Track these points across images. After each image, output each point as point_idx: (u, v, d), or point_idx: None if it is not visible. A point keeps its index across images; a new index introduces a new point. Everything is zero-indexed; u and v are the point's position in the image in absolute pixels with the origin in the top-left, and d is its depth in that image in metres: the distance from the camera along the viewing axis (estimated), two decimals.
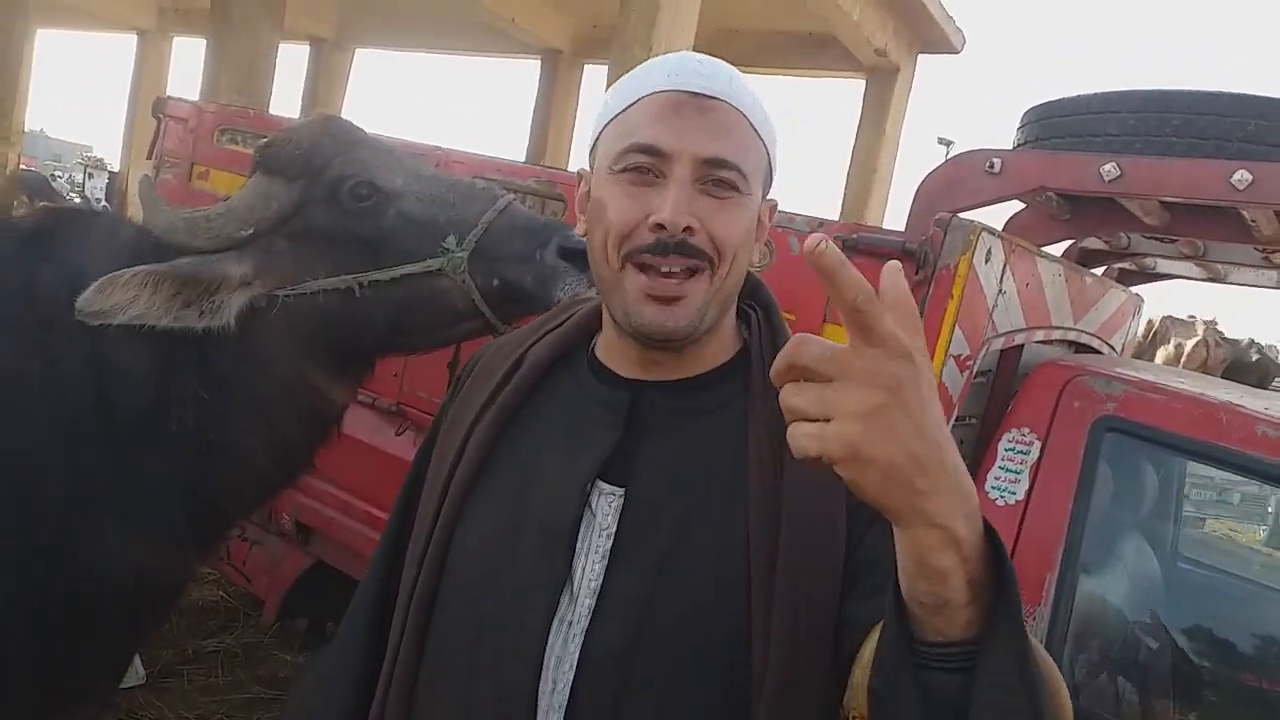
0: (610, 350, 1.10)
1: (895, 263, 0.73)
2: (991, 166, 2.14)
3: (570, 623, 0.99)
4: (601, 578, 0.99)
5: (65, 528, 1.67)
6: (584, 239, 1.08)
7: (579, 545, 1.01)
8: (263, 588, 3.09)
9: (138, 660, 3.34)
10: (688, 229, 0.96)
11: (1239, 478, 2.67)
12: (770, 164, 1.06)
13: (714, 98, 0.99)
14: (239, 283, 1.72)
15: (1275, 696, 2.12)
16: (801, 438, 0.68)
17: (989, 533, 0.72)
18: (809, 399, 0.68)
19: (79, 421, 1.67)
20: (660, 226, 0.96)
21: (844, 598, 0.95)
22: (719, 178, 0.98)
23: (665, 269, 0.97)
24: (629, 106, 1.01)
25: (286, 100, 13.38)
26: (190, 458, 1.75)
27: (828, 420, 0.67)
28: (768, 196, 1.08)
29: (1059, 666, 2.00)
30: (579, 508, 1.01)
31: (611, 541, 1.00)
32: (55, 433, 1.67)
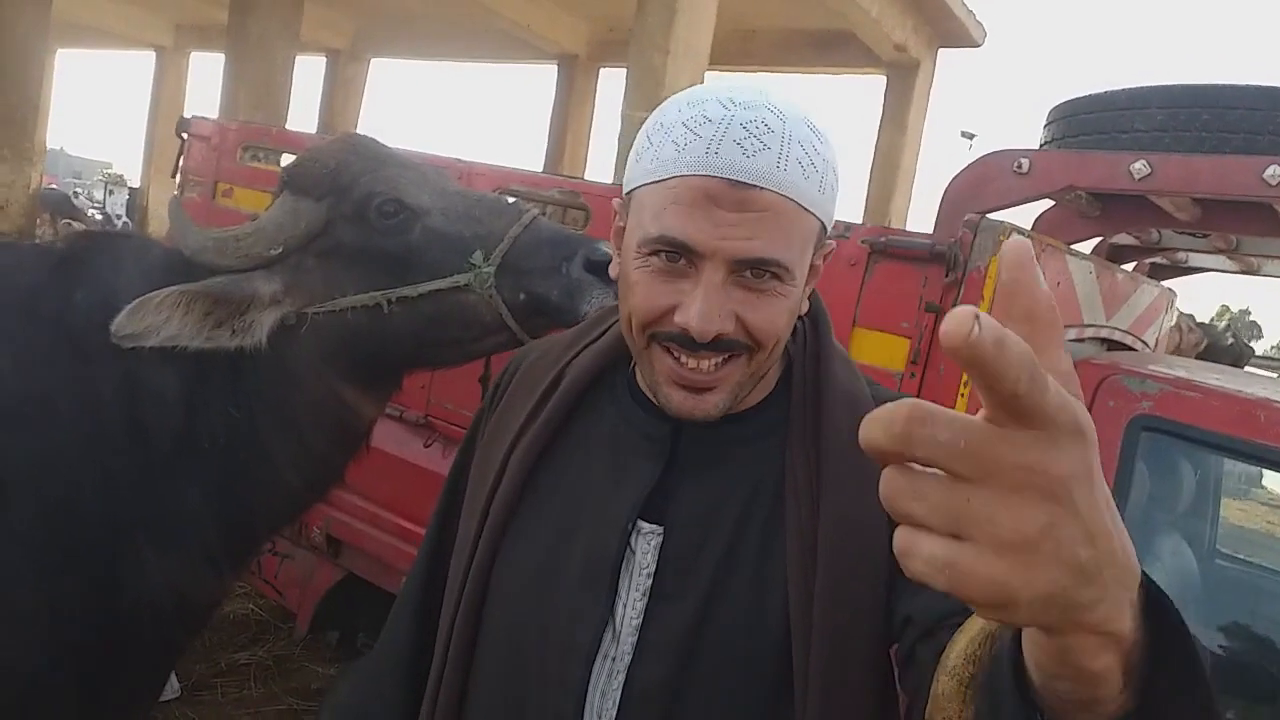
0: None
1: (1020, 242, 0.51)
2: (1019, 167, 2.12)
3: (613, 659, 0.98)
4: (643, 615, 0.98)
5: (101, 550, 1.68)
6: (610, 252, 1.05)
7: (620, 583, 1.00)
8: (295, 601, 3.11)
9: (173, 674, 3.37)
10: (719, 334, 0.91)
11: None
12: (826, 226, 0.97)
13: (756, 186, 0.88)
14: (269, 301, 1.73)
15: None
16: (920, 564, 0.47)
17: (1154, 594, 0.55)
18: (933, 510, 0.47)
19: (113, 444, 1.69)
20: (686, 329, 0.90)
21: (899, 594, 0.93)
22: (757, 270, 0.91)
23: (693, 361, 0.93)
24: (664, 180, 0.91)
25: (303, 112, 13.48)
26: (223, 476, 1.77)
27: (957, 537, 0.47)
28: (824, 243, 1.00)
29: None
30: (621, 548, 1.00)
31: (652, 580, 0.99)
32: (90, 456, 1.68)
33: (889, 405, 0.48)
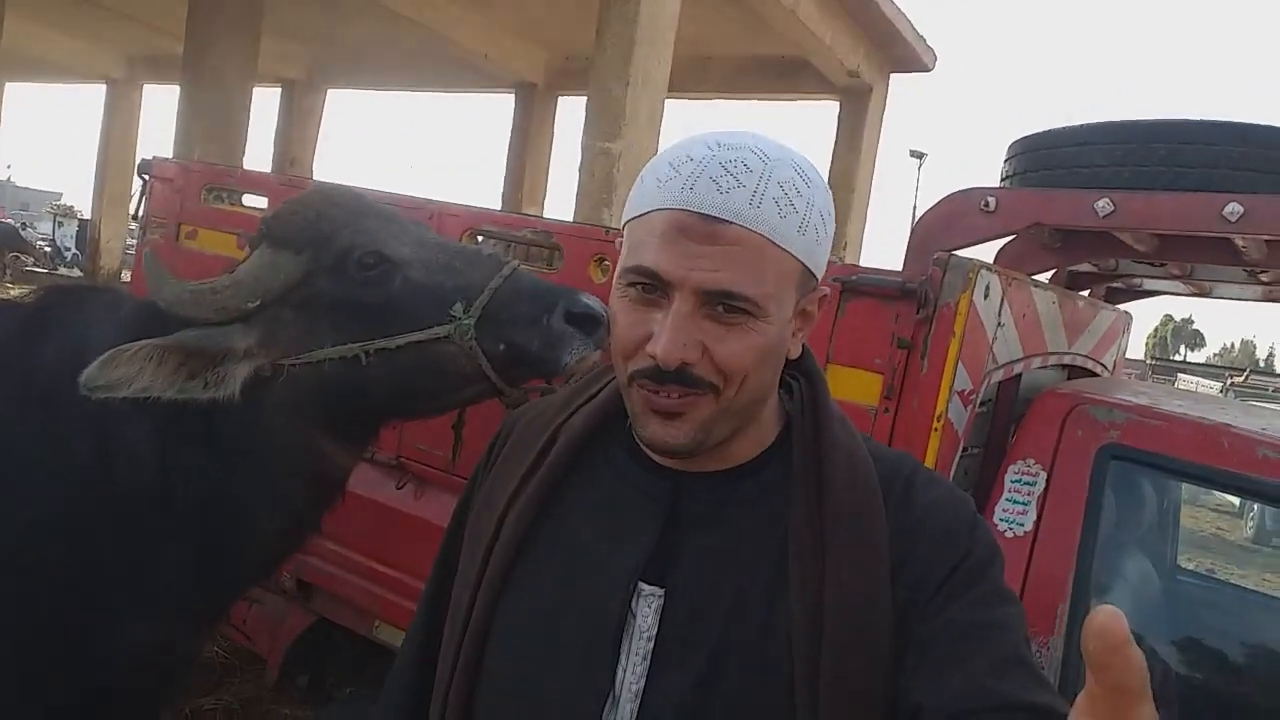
0: None
1: (1109, 613, 0.57)
2: (987, 205, 2.17)
3: None
4: (643, 680, 0.97)
5: (75, 612, 1.65)
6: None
7: (621, 646, 0.99)
8: (264, 646, 3.06)
9: None
10: (685, 363, 0.92)
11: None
12: (810, 269, 0.97)
13: (726, 221, 0.90)
14: (244, 354, 1.72)
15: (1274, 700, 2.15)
16: None
17: None
18: None
19: (83, 500, 1.66)
20: (654, 357, 0.92)
21: (909, 671, 0.92)
22: (727, 305, 0.92)
23: (664, 395, 0.95)
24: (644, 215, 0.95)
25: (260, 144, 13.37)
26: (199, 531, 1.74)
27: None
28: (816, 288, 1.01)
29: (1075, 695, 2.01)
30: (623, 611, 0.99)
31: (653, 644, 0.98)
32: (59, 513, 1.65)
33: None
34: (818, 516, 0.98)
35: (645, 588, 1.00)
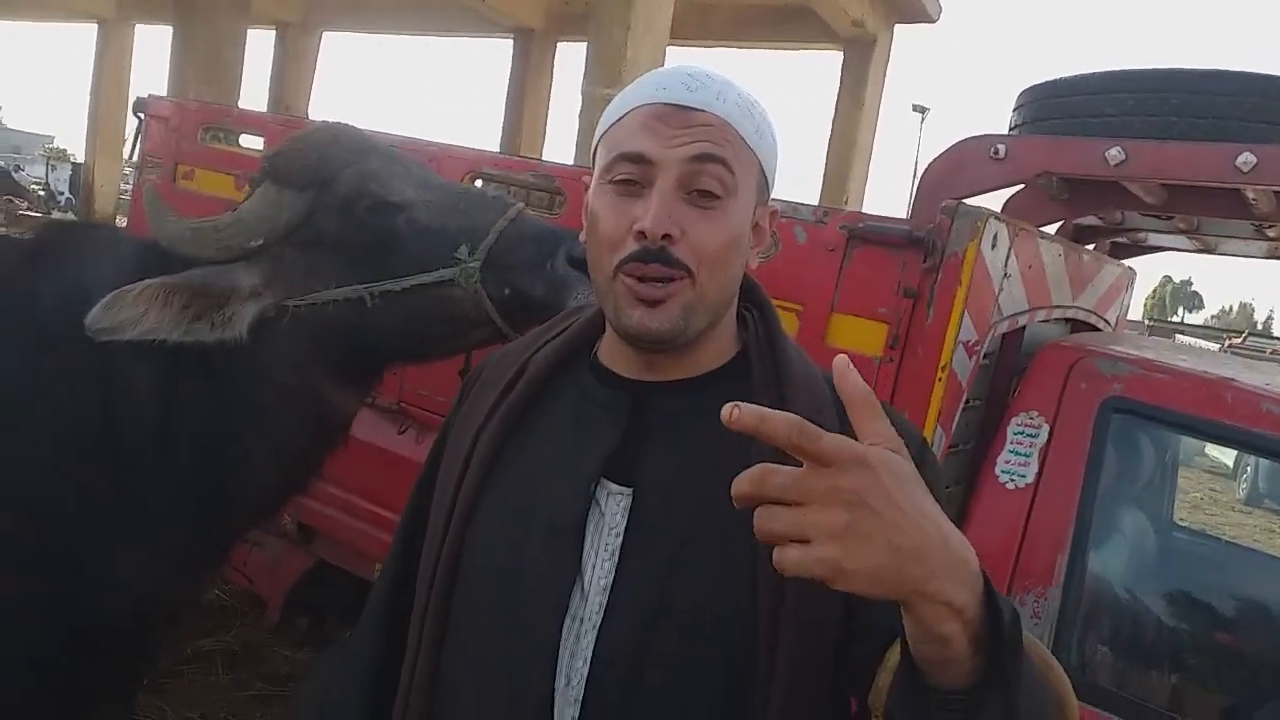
0: (612, 353, 1.12)
1: (843, 358, 0.79)
2: (996, 152, 2.14)
3: (582, 619, 1.01)
4: (612, 575, 1.01)
5: (75, 553, 1.65)
6: None
7: (588, 543, 1.03)
8: (265, 588, 3.08)
9: None
10: (667, 236, 0.99)
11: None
12: (765, 174, 1.08)
13: (698, 109, 1.01)
14: (250, 294, 1.70)
15: (1270, 656, 2.18)
16: (787, 562, 0.71)
17: (988, 589, 0.77)
18: (784, 525, 0.71)
19: (85, 443, 1.65)
20: (642, 234, 0.99)
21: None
22: (703, 187, 1.00)
23: (648, 276, 1.00)
24: (619, 120, 1.05)
25: (254, 87, 13.20)
26: (199, 473, 1.73)
27: (807, 541, 0.70)
28: (767, 202, 1.10)
29: (1072, 645, 2.01)
30: (585, 506, 1.04)
31: (621, 539, 1.02)
32: (60, 456, 1.65)
33: (751, 470, 0.73)
34: None
35: (613, 486, 1.05)
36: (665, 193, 0.99)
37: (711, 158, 1.00)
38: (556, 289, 1.72)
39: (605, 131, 1.07)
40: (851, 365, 0.77)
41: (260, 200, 1.74)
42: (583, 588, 1.02)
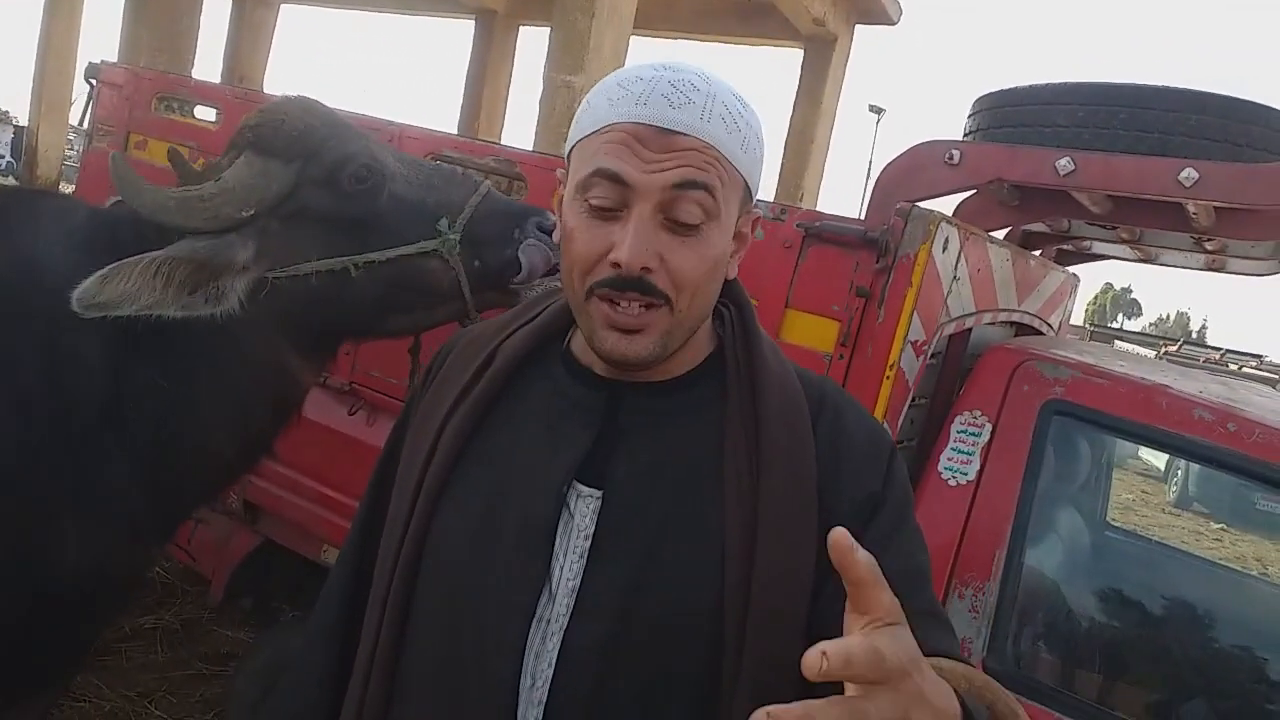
0: (586, 349, 1.09)
1: (842, 532, 0.72)
2: (951, 158, 2.19)
3: (548, 620, 1.00)
4: (580, 577, 1.00)
5: (19, 524, 1.62)
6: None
7: (557, 545, 1.02)
8: (209, 566, 3.05)
9: None
10: (645, 268, 0.96)
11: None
12: (750, 187, 1.04)
13: (680, 133, 0.95)
14: (241, 266, 1.69)
15: (1197, 655, 2.26)
16: None
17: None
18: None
19: (32, 415, 1.62)
20: (618, 264, 0.96)
21: (829, 598, 0.96)
22: (682, 212, 0.96)
23: (623, 303, 0.98)
24: (597, 131, 0.99)
25: (207, 57, 12.93)
26: (152, 447, 1.72)
27: None
28: (751, 209, 1.07)
29: (1007, 639, 2.08)
30: (557, 510, 1.02)
31: (590, 542, 1.01)
32: (7, 428, 1.61)
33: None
34: (753, 431, 1.03)
35: (583, 489, 1.04)
36: (643, 221, 0.96)
37: (693, 184, 0.96)
38: (520, 260, 1.82)
39: (581, 139, 1.01)
40: (852, 541, 0.70)
41: (247, 170, 1.72)
42: (550, 589, 1.01)
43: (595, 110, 1.00)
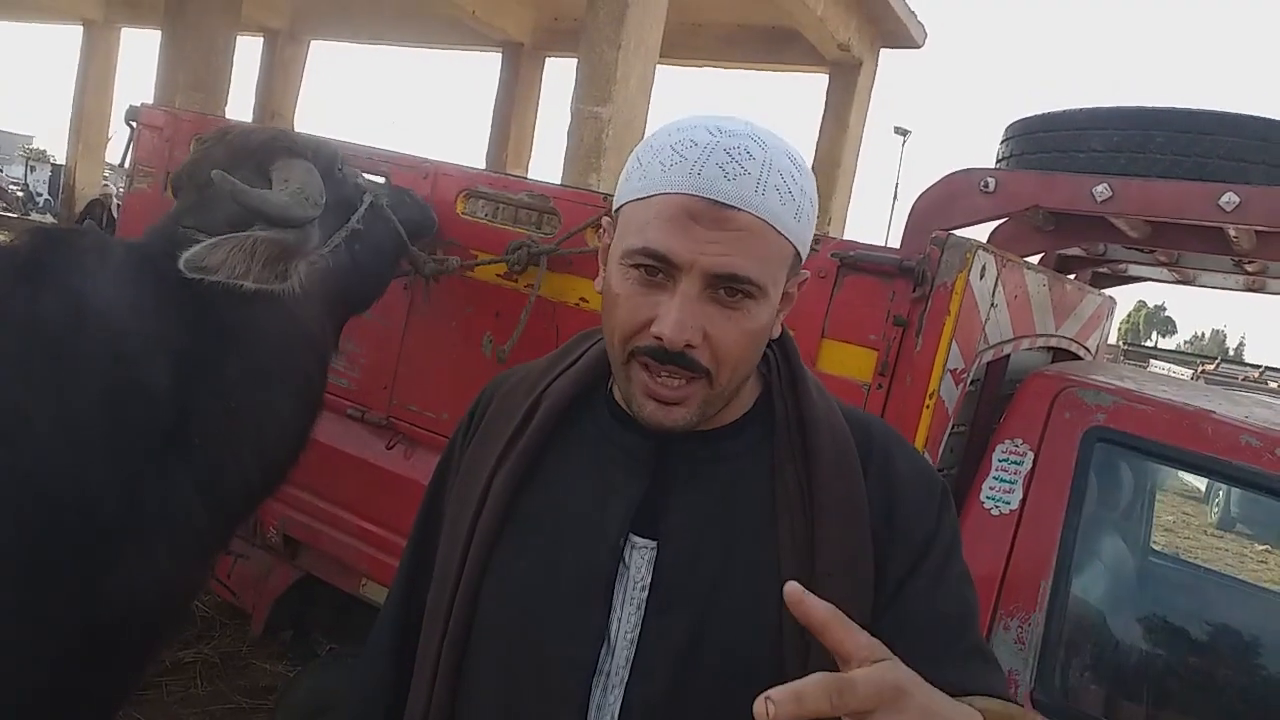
0: None
1: (794, 585, 0.78)
2: (986, 186, 2.18)
3: (608, 673, 1.00)
4: (638, 629, 1.00)
5: (86, 559, 1.65)
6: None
7: (614, 597, 1.01)
8: (249, 601, 3.07)
9: None
10: (688, 345, 0.94)
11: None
12: (800, 254, 1.01)
13: (734, 207, 0.93)
14: (310, 250, 2.00)
15: (1247, 683, 2.21)
16: None
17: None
18: None
19: (95, 452, 1.65)
20: (660, 337, 0.95)
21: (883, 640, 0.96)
22: (730, 289, 0.95)
23: (664, 375, 0.97)
24: (648, 199, 0.96)
25: (239, 95, 13.16)
26: (209, 456, 1.80)
27: None
28: (799, 271, 1.05)
29: (1055, 670, 2.05)
30: (614, 562, 1.02)
31: (646, 593, 1.01)
32: (70, 466, 1.64)
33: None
34: (805, 477, 1.03)
35: (638, 540, 1.03)
36: (689, 299, 0.94)
37: (738, 279, 0.94)
38: (424, 209, 2.55)
39: (630, 201, 0.99)
40: (803, 591, 0.76)
41: (305, 171, 2.01)
42: (609, 642, 1.00)
43: (648, 172, 0.97)
